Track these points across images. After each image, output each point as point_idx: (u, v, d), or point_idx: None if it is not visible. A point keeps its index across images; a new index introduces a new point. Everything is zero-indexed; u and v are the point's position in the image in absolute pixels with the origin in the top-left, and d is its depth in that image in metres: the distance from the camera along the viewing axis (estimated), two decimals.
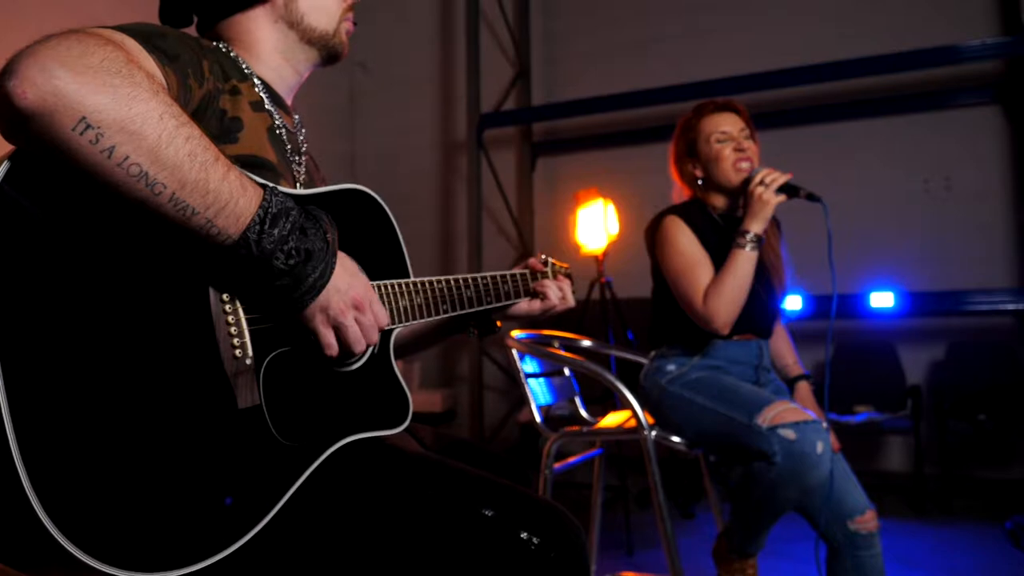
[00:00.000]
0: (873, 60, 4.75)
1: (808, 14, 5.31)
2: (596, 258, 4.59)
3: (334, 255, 1.03)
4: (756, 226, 2.21)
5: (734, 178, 2.33)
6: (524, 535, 1.06)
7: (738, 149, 2.34)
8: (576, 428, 2.44)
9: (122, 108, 0.84)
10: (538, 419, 2.38)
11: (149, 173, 0.86)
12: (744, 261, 2.20)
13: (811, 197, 2.21)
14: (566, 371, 2.72)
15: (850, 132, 5.23)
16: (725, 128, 2.37)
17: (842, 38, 5.07)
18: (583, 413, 2.73)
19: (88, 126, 0.82)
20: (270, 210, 0.95)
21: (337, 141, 6.64)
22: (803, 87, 5.09)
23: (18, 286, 0.81)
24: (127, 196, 0.87)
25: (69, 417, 0.81)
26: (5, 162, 0.83)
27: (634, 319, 4.69)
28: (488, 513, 1.07)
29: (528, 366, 2.49)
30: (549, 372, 2.61)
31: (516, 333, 2.44)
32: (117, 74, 0.85)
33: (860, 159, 5.15)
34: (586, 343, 2.71)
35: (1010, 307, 4.57)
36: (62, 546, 0.78)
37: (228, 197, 0.92)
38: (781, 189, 2.22)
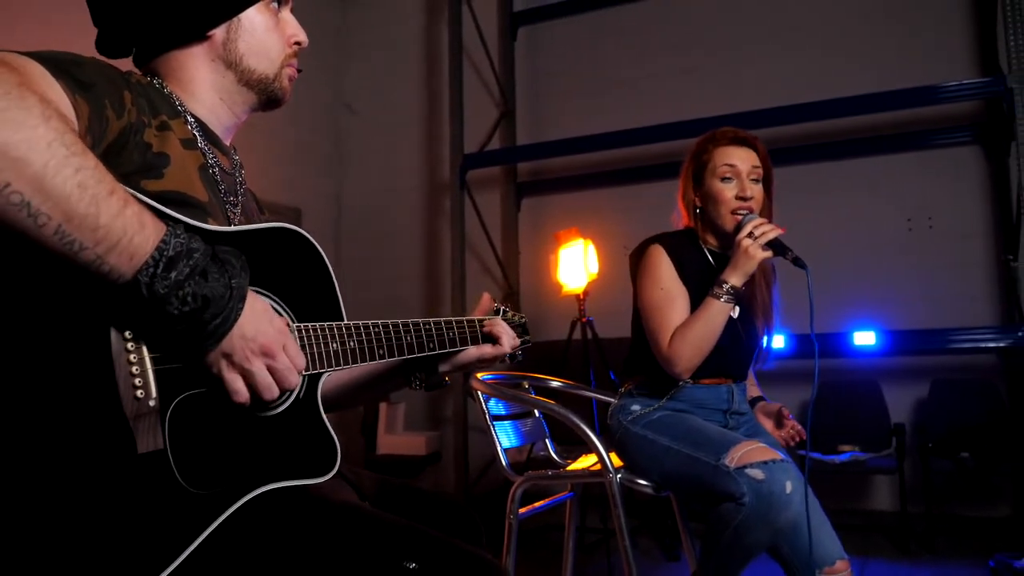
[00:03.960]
0: (855, 100, 4.77)
1: (792, 55, 5.35)
2: (577, 297, 4.57)
3: (240, 300, 0.98)
4: (736, 278, 2.15)
5: (728, 224, 2.27)
6: None
7: (740, 196, 2.26)
8: (541, 472, 2.40)
9: (4, 132, 0.80)
10: (503, 462, 2.34)
11: (32, 203, 0.81)
12: (717, 312, 2.15)
13: (796, 262, 2.11)
14: (536, 412, 2.68)
15: (833, 171, 5.24)
16: (734, 162, 2.28)
17: (824, 79, 5.11)
18: (553, 455, 2.70)
19: None
20: (166, 252, 0.91)
21: (323, 182, 6.64)
22: (787, 126, 5.11)
23: None
24: (9, 226, 0.82)
25: None
26: None
27: (616, 359, 4.65)
28: (411, 566, 1.04)
29: (496, 407, 2.46)
30: (517, 414, 2.57)
31: (482, 375, 2.41)
32: (3, 96, 0.81)
33: (843, 198, 5.16)
34: (555, 383, 2.68)
35: (992, 345, 4.54)
36: None
37: (120, 234, 0.87)
38: (769, 244, 2.14)
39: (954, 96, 4.60)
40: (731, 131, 2.36)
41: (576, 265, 4.51)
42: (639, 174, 5.67)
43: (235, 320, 0.98)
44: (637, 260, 2.37)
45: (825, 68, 5.21)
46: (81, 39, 1.33)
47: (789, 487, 1.92)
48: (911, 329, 4.71)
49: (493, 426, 2.36)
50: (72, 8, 1.78)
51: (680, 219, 2.44)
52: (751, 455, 1.98)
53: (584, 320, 4.51)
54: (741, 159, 2.29)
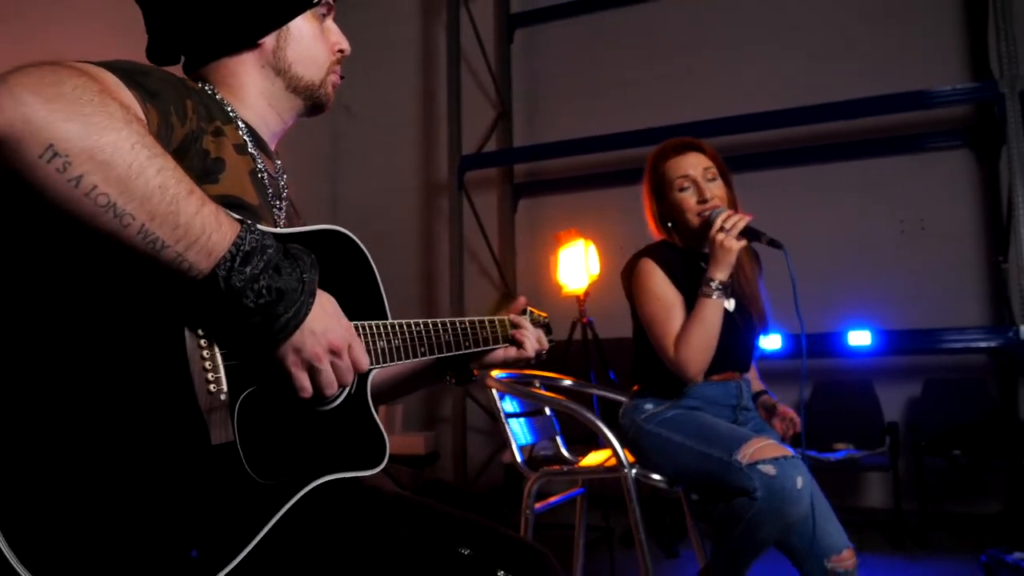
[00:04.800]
0: (849, 104, 4.86)
1: (787, 60, 5.43)
2: (577, 298, 4.62)
3: (311, 295, 1.02)
4: (721, 273, 2.22)
5: (699, 226, 2.34)
6: (501, 573, 1.07)
7: (701, 200, 2.34)
8: (557, 468, 2.45)
9: (92, 137, 0.83)
10: (519, 459, 2.39)
11: (117, 204, 0.85)
12: (711, 309, 2.22)
13: (772, 243, 2.21)
14: (547, 410, 2.73)
15: (827, 174, 5.33)
16: (687, 171, 2.36)
17: (818, 82, 5.19)
18: (564, 452, 2.75)
19: (56, 154, 0.81)
20: (242, 247, 0.94)
21: (320, 184, 6.68)
22: (782, 129, 5.20)
23: None
24: (95, 227, 0.85)
25: (42, 454, 0.81)
26: None
27: (616, 358, 4.71)
28: (465, 552, 1.09)
29: (508, 406, 2.51)
30: (529, 412, 2.62)
31: (496, 373, 2.45)
32: (88, 103, 0.85)
33: (837, 200, 5.24)
34: (567, 382, 2.73)
35: (983, 345, 4.64)
36: None
37: (200, 232, 0.91)
38: (742, 233, 2.22)
39: (947, 101, 4.70)
40: (674, 142, 2.45)
41: (576, 266, 4.56)
42: (635, 176, 5.65)
43: (306, 314, 1.01)
44: (629, 276, 2.43)
45: (820, 72, 5.29)
46: (85, 46, 1.36)
47: (800, 482, 1.98)
48: (904, 329, 4.79)
49: (507, 423, 2.40)
50: (82, 18, 1.80)
51: (655, 236, 2.52)
52: (763, 451, 2.04)
53: (584, 321, 4.56)
54: (692, 165, 2.37)
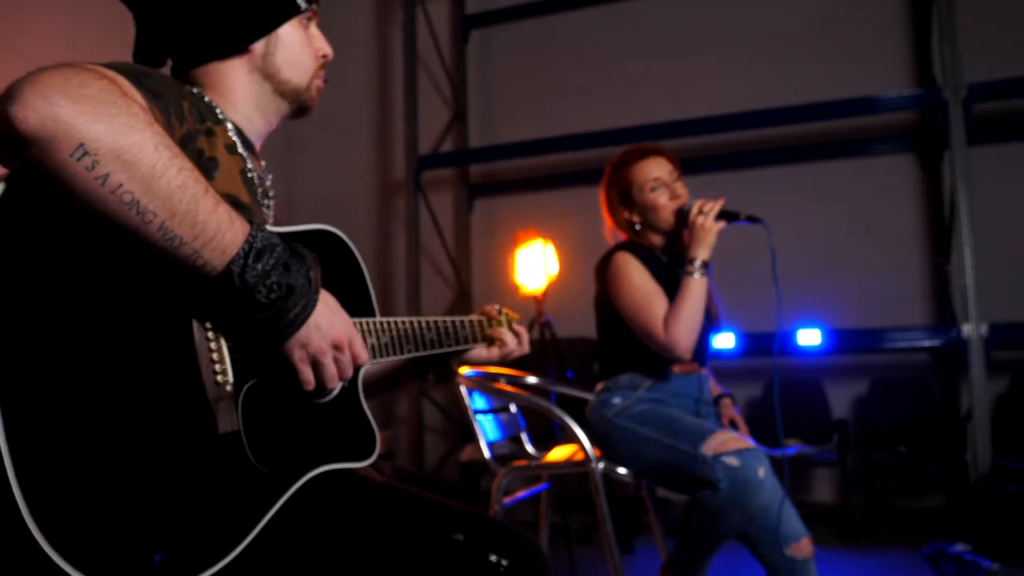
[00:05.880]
0: (796, 109, 4.98)
1: (737, 65, 5.55)
2: (536, 298, 4.67)
3: (316, 292, 1.06)
4: (702, 253, 2.32)
5: (673, 221, 2.44)
6: (493, 558, 1.11)
7: (673, 197, 2.45)
8: (524, 463, 2.49)
9: (119, 137, 0.87)
10: (487, 455, 2.43)
11: (141, 202, 0.88)
12: (697, 289, 2.31)
13: (751, 218, 2.35)
14: (512, 408, 2.77)
15: (775, 177, 5.45)
16: (656, 174, 2.46)
17: (767, 88, 5.31)
18: (530, 449, 2.79)
19: (85, 153, 0.84)
20: (255, 245, 0.98)
21: (275, 184, 6.60)
22: (731, 133, 5.31)
23: (11, 310, 0.82)
24: (118, 223, 0.89)
25: (62, 438, 0.83)
26: (0, 184, 0.85)
27: (573, 357, 4.78)
28: (459, 537, 1.12)
29: (475, 403, 2.54)
30: (496, 409, 2.66)
31: (464, 370, 2.48)
32: (114, 104, 0.88)
33: (785, 203, 5.34)
34: (532, 379, 2.77)
35: (926, 344, 4.80)
36: (57, 565, 0.80)
37: (215, 230, 0.95)
38: (720, 216, 2.34)
39: (892, 107, 4.85)
40: (637, 148, 2.56)
41: (535, 266, 4.60)
42: (589, 177, 5.73)
43: (312, 310, 1.05)
44: (605, 269, 2.50)
45: (769, 77, 5.41)
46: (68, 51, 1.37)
47: (762, 473, 2.07)
48: (851, 329, 4.93)
49: (476, 420, 2.44)
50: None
51: (616, 237, 2.61)
52: (727, 444, 2.12)
53: (543, 320, 4.61)
54: (660, 168, 2.49)
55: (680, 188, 2.47)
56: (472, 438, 4.92)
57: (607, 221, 2.61)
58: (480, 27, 6.40)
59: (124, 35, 1.37)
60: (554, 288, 4.89)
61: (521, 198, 6.16)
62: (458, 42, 6.37)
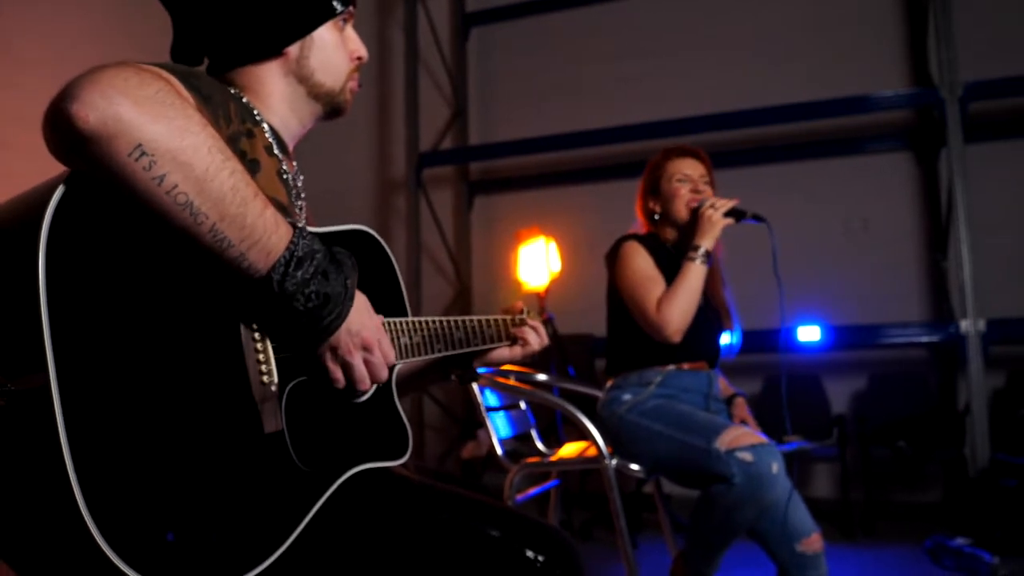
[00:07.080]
0: (794, 108, 5.03)
1: (736, 63, 5.58)
2: (538, 295, 4.69)
3: (351, 299, 1.07)
4: (706, 242, 2.38)
5: (686, 214, 2.50)
6: (530, 554, 1.13)
7: (694, 191, 2.51)
8: (536, 459, 2.51)
9: (175, 139, 0.88)
10: (499, 452, 2.45)
11: (194, 203, 0.90)
12: (695, 273, 2.36)
13: (756, 217, 2.43)
14: (522, 405, 2.79)
15: (773, 176, 5.49)
16: (687, 171, 2.55)
17: (765, 86, 5.35)
18: (539, 445, 2.81)
19: (143, 153, 0.86)
20: (296, 252, 0.99)
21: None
22: (731, 132, 5.35)
23: (73, 310, 0.84)
24: (171, 223, 0.91)
25: (118, 435, 0.85)
26: (60, 186, 0.86)
27: (576, 355, 4.80)
28: (495, 534, 1.15)
29: (487, 400, 2.56)
30: (507, 406, 2.68)
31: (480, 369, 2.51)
32: (171, 106, 0.90)
33: (783, 201, 5.36)
34: (542, 377, 2.80)
35: (923, 339, 4.85)
36: (112, 563, 0.81)
37: (262, 233, 0.96)
38: (729, 213, 2.41)
39: (889, 106, 4.90)
40: (681, 146, 2.65)
41: (538, 263, 4.63)
42: (589, 175, 5.85)
43: (345, 316, 1.07)
44: (614, 257, 2.55)
45: (766, 76, 5.44)
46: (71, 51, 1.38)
47: (775, 468, 2.10)
48: (850, 325, 4.97)
49: (488, 417, 2.46)
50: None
51: (640, 228, 2.67)
52: (740, 439, 2.15)
53: (545, 317, 4.63)
54: (692, 168, 2.57)
55: (706, 190, 2.54)
56: (472, 435, 4.98)
57: (637, 211, 2.68)
58: (480, 25, 6.42)
59: (125, 35, 1.39)
60: (556, 285, 4.92)
61: (521, 195, 6.19)
62: (458, 40, 6.39)
